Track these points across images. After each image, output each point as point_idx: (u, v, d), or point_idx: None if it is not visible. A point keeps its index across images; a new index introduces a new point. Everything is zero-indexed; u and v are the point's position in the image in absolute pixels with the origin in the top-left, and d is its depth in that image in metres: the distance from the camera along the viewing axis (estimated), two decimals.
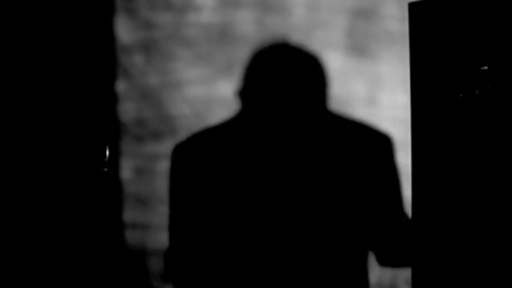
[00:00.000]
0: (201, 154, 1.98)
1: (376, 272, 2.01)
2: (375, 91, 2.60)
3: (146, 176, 2.73)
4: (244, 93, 2.00)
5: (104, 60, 2.76)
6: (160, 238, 2.71)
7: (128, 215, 2.75)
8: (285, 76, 1.96)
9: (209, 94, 2.68)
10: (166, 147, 2.71)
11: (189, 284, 2.02)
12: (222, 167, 1.94)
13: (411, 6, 2.17)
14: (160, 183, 2.71)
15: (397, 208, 1.97)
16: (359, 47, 2.62)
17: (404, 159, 2.10)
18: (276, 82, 1.95)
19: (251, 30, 2.66)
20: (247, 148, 1.93)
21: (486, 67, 2.04)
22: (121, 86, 2.77)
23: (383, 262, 1.99)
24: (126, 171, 2.76)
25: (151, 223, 2.72)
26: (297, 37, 2.61)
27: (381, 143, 1.96)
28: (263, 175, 1.91)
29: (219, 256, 1.96)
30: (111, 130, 2.76)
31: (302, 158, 1.91)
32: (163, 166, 2.71)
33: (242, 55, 2.50)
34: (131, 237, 2.73)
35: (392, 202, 1.96)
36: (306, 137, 1.93)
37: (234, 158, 1.93)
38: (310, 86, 1.97)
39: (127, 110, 2.75)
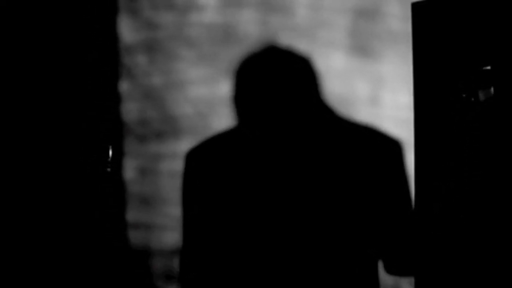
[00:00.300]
0: (211, 159, 1.99)
1: (379, 272, 2.01)
2: (378, 91, 2.60)
3: (149, 176, 2.73)
4: (238, 99, 2.00)
5: (107, 60, 2.77)
6: (164, 238, 2.71)
7: (131, 215, 2.75)
8: (276, 79, 1.96)
9: (212, 94, 2.68)
10: (169, 147, 2.71)
11: (202, 284, 2.02)
12: (231, 172, 1.95)
13: (414, 6, 2.17)
14: (163, 183, 2.71)
15: (406, 215, 1.96)
16: (361, 46, 2.62)
17: (406, 159, 2.10)
18: (267, 85, 1.95)
19: (254, 30, 2.66)
20: (250, 152, 1.94)
21: (489, 67, 2.04)
22: (124, 86, 2.77)
23: (391, 269, 1.97)
24: (129, 171, 2.76)
25: (154, 223, 2.72)
26: (300, 37, 2.61)
27: (390, 148, 1.94)
28: (268, 179, 1.91)
29: (231, 258, 1.96)
30: (114, 130, 2.77)
31: (305, 160, 1.91)
32: (166, 166, 2.72)
33: None
34: (134, 237, 2.74)
35: (400, 208, 1.95)
36: (306, 139, 1.92)
37: (240, 163, 1.94)
38: (302, 87, 1.97)
39: (130, 110, 2.76)
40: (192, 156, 2.04)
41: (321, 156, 1.91)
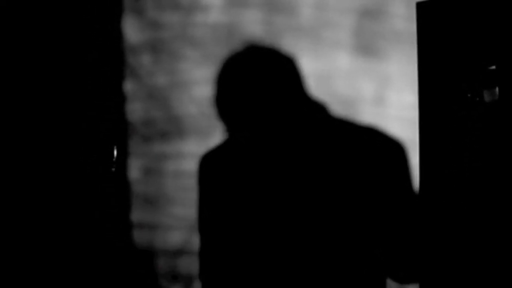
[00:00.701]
0: (222, 164, 2.00)
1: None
2: (383, 90, 2.60)
3: (154, 176, 2.74)
4: (221, 103, 2.00)
5: (112, 60, 2.77)
6: (168, 238, 2.71)
7: (136, 215, 2.75)
8: (260, 79, 1.96)
9: None
10: (173, 147, 2.71)
11: (222, 283, 2.03)
12: (238, 175, 1.95)
13: (418, 5, 2.17)
14: (168, 183, 2.71)
15: (409, 217, 1.94)
16: (366, 46, 2.62)
17: (411, 159, 2.10)
18: (251, 87, 1.95)
19: (258, 30, 2.66)
20: (249, 156, 1.94)
21: (493, 67, 2.04)
22: (129, 86, 2.77)
23: (395, 276, 1.96)
24: (134, 171, 2.76)
25: (158, 223, 2.73)
26: (304, 37, 2.61)
27: (392, 150, 1.94)
28: (266, 181, 1.91)
29: (244, 258, 1.96)
30: (119, 130, 2.77)
31: (306, 162, 1.90)
32: (171, 166, 2.72)
33: None
34: (139, 237, 2.74)
35: (404, 211, 1.94)
36: (304, 141, 1.92)
37: (244, 167, 1.94)
38: (286, 87, 1.97)
39: (135, 110, 2.76)
40: (206, 161, 2.05)
41: (321, 158, 1.91)
